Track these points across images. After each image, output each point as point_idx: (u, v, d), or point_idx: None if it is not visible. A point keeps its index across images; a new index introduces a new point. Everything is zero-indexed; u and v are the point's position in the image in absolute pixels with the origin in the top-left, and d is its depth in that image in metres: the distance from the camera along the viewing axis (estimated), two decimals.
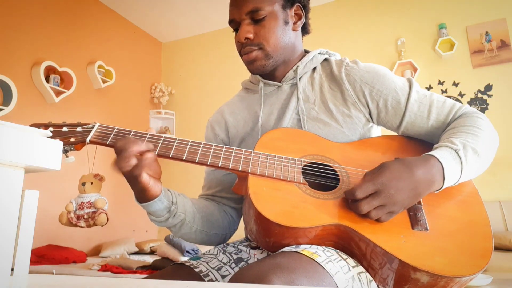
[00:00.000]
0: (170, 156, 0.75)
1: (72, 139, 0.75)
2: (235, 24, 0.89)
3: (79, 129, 0.77)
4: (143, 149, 0.70)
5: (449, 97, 3.23)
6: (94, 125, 0.78)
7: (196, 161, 0.75)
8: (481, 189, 0.80)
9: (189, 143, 0.76)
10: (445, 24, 3.30)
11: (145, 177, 0.71)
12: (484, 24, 3.20)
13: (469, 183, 0.79)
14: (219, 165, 0.75)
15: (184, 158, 0.75)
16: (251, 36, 0.86)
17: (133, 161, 0.68)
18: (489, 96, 3.11)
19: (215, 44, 4.24)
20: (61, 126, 0.78)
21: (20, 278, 0.42)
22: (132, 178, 0.70)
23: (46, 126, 0.78)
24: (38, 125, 0.78)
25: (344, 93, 0.87)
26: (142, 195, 0.74)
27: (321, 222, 0.68)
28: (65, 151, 0.76)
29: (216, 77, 4.16)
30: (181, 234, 0.86)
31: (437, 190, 0.73)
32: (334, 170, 0.78)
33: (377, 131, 0.93)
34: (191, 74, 4.34)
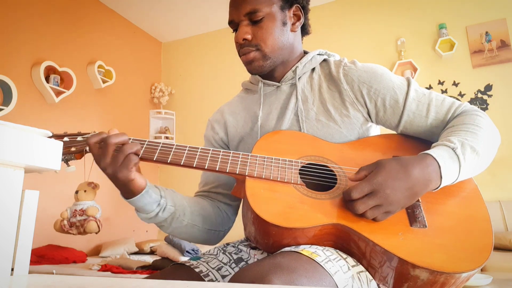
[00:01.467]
0: (168, 161, 0.75)
1: (73, 149, 0.76)
2: (234, 25, 0.90)
3: (79, 138, 0.78)
4: (121, 140, 0.72)
5: (449, 97, 3.23)
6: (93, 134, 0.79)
7: (194, 165, 0.75)
8: (481, 189, 0.80)
9: (187, 148, 0.77)
10: (445, 24, 3.30)
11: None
12: (484, 24, 3.20)
13: (469, 179, 0.78)
14: (217, 169, 0.75)
15: (182, 163, 0.75)
16: (249, 37, 0.87)
17: (121, 159, 0.71)
18: (489, 96, 3.11)
19: (215, 44, 4.24)
20: (62, 136, 0.79)
21: (20, 278, 0.42)
22: (121, 176, 0.72)
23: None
24: None
25: (342, 93, 0.87)
26: (129, 188, 0.75)
27: (318, 222, 0.68)
28: (66, 161, 0.77)
29: (216, 77, 4.16)
30: (172, 229, 0.85)
31: (434, 189, 0.72)
32: (332, 170, 0.78)
33: (376, 130, 0.93)
34: (191, 74, 4.34)
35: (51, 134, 0.48)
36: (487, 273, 2.15)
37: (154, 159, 0.75)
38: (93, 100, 3.52)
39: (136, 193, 0.76)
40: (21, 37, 2.92)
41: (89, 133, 0.80)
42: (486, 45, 3.16)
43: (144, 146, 0.76)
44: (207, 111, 3.36)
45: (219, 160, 0.76)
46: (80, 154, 0.77)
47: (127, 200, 0.77)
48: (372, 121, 0.89)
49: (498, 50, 3.13)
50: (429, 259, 0.64)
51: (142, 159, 0.76)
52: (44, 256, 2.63)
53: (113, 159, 0.71)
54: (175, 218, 0.83)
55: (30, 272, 0.44)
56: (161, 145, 0.77)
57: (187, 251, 2.43)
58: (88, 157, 0.82)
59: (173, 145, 0.77)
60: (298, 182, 0.74)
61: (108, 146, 0.71)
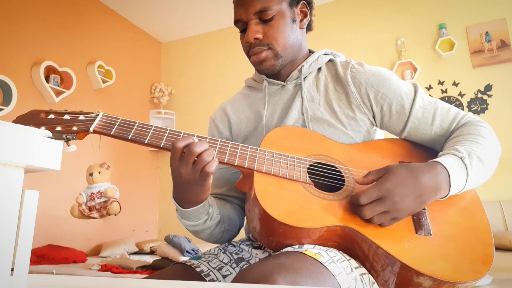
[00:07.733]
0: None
1: (75, 128, 0.72)
2: (242, 24, 0.88)
3: (81, 117, 0.74)
4: (212, 157, 0.69)
5: (449, 97, 3.23)
6: (98, 114, 0.75)
7: None
8: (481, 189, 0.80)
9: (195, 137, 0.75)
10: (445, 24, 3.30)
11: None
12: (484, 24, 3.20)
13: (471, 189, 0.79)
14: (225, 161, 0.74)
15: None
16: (260, 36, 0.85)
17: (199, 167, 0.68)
18: (489, 96, 3.11)
19: (215, 44, 4.24)
20: (63, 113, 0.75)
21: (20, 278, 0.42)
22: (201, 181, 0.69)
23: (47, 113, 0.75)
24: (38, 112, 0.75)
25: (349, 95, 0.87)
26: (198, 199, 0.73)
27: (326, 223, 0.68)
28: (66, 140, 0.72)
29: (216, 77, 4.16)
30: (209, 236, 0.86)
31: (442, 198, 0.73)
32: (339, 171, 0.78)
33: (381, 134, 0.93)
34: (191, 74, 4.34)
35: (51, 134, 0.48)
36: (487, 273, 2.14)
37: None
38: (93, 100, 3.52)
39: (197, 203, 0.75)
40: (21, 37, 2.92)
41: (92, 113, 0.75)
42: (486, 45, 3.16)
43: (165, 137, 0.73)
44: (207, 111, 3.36)
45: (227, 152, 0.74)
46: (83, 134, 0.72)
47: (184, 209, 0.76)
48: (376, 126, 0.89)
49: (498, 50, 3.13)
50: (433, 267, 0.65)
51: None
52: (44, 256, 2.62)
53: (194, 168, 0.68)
54: (218, 226, 0.84)
55: (30, 272, 0.44)
56: (167, 133, 0.74)
57: (187, 251, 2.42)
58: (94, 138, 0.77)
59: (181, 132, 0.75)
60: (307, 181, 0.74)
61: (193, 155, 0.67)
